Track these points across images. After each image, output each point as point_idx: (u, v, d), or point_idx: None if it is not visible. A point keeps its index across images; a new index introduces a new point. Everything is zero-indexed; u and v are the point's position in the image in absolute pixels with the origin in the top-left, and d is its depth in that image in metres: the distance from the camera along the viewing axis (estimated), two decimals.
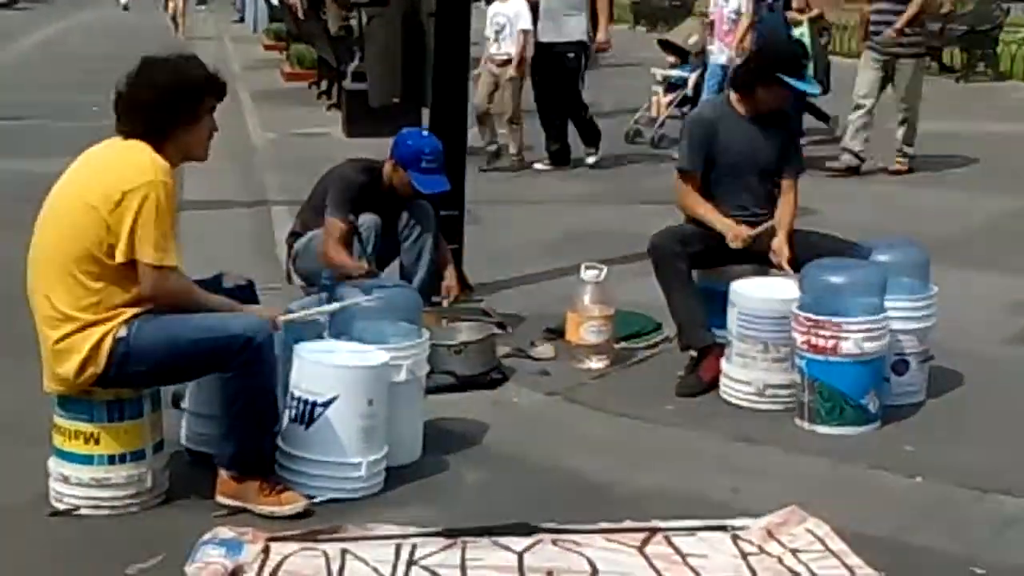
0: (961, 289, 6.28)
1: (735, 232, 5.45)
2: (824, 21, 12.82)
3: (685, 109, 12.16)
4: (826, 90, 11.15)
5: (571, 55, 10.55)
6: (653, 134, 11.98)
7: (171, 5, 24.65)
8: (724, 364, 5.32)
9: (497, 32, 10.76)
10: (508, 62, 10.64)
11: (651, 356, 5.88)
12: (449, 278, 6.26)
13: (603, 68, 15.88)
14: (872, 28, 10.60)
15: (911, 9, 10.33)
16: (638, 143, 11.99)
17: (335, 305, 4.75)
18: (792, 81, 5.60)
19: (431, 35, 7.07)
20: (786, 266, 5.37)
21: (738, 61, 10.68)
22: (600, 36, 10.99)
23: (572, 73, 10.64)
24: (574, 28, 10.55)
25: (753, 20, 11.06)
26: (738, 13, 11.17)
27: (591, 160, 10.97)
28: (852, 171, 10.47)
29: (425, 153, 5.93)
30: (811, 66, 9.42)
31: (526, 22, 10.57)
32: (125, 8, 38.77)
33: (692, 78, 12.22)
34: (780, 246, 5.44)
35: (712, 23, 11.84)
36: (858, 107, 10.55)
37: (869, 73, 10.58)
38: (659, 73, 12.73)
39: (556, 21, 10.50)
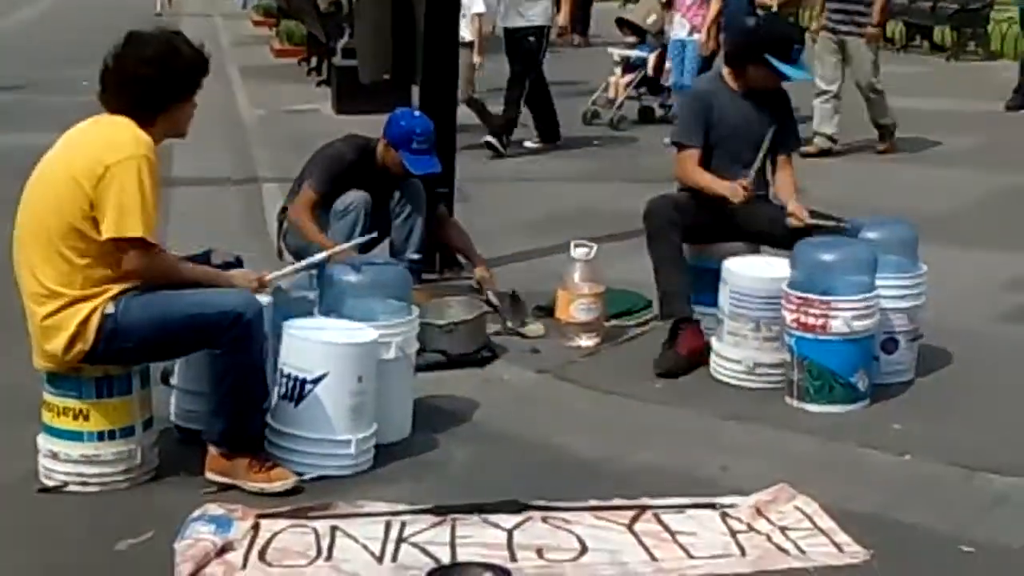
0: (951, 267, 6.29)
1: (734, 187, 5.44)
2: (792, 7, 12.57)
3: (643, 90, 12.10)
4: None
5: (531, 38, 10.37)
6: (612, 115, 11.80)
7: None
8: (715, 342, 5.33)
9: None
10: (464, 46, 10.19)
11: (641, 334, 5.88)
12: (480, 269, 6.24)
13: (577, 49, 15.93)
14: (828, 13, 10.47)
15: None
16: (596, 124, 11.80)
17: (316, 257, 4.77)
18: (779, 64, 5.58)
19: (421, 12, 7.06)
20: (807, 220, 5.40)
21: (697, 37, 10.89)
22: (560, 20, 10.83)
23: (529, 56, 10.41)
24: (538, 13, 10.36)
25: (720, 5, 10.82)
26: None
27: (530, 144, 10.76)
28: (825, 153, 10.41)
29: (416, 134, 5.93)
30: None
31: (479, 5, 10.38)
32: None
33: (651, 58, 11.99)
34: (796, 209, 5.45)
35: (668, 3, 11.70)
36: (822, 93, 10.42)
37: (826, 57, 10.45)
38: (616, 53, 12.40)
39: (519, 7, 10.33)
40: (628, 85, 12.03)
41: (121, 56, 4.23)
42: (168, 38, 4.31)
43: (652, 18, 12.15)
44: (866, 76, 10.38)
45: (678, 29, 11.15)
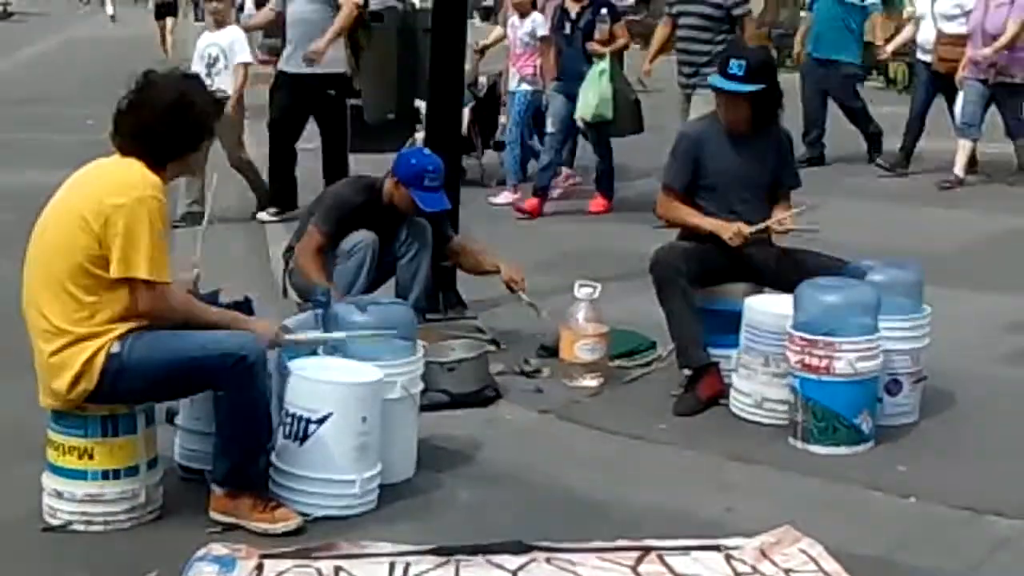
0: (955, 308, 6.29)
1: (732, 229, 5.46)
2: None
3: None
4: (637, 129, 9.66)
5: (331, 91, 9.22)
6: None
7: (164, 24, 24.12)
8: (733, 376, 5.36)
9: (209, 66, 9.25)
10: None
11: (645, 374, 5.89)
12: (505, 271, 6.29)
13: None
14: (680, 64, 9.51)
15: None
16: None
17: (336, 335, 4.72)
18: (715, 79, 5.60)
19: (426, 52, 7.11)
20: (779, 226, 5.56)
21: (527, 88, 10.09)
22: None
23: (335, 108, 9.31)
24: (330, 57, 9.13)
25: (548, 47, 9.95)
26: (532, 36, 10.09)
27: (265, 216, 9.31)
28: None
29: (428, 171, 5.97)
30: (608, 103, 9.26)
31: (245, 53, 9.31)
32: (112, 19, 38.69)
33: (465, 113, 10.13)
34: (773, 221, 5.55)
35: (482, 51, 11.30)
36: None
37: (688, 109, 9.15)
38: (423, 106, 10.67)
39: (305, 49, 9.07)
40: None
41: (136, 104, 4.25)
42: (183, 87, 4.34)
43: (464, 68, 10.69)
44: None
45: (512, 82, 10.44)
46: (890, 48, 12.58)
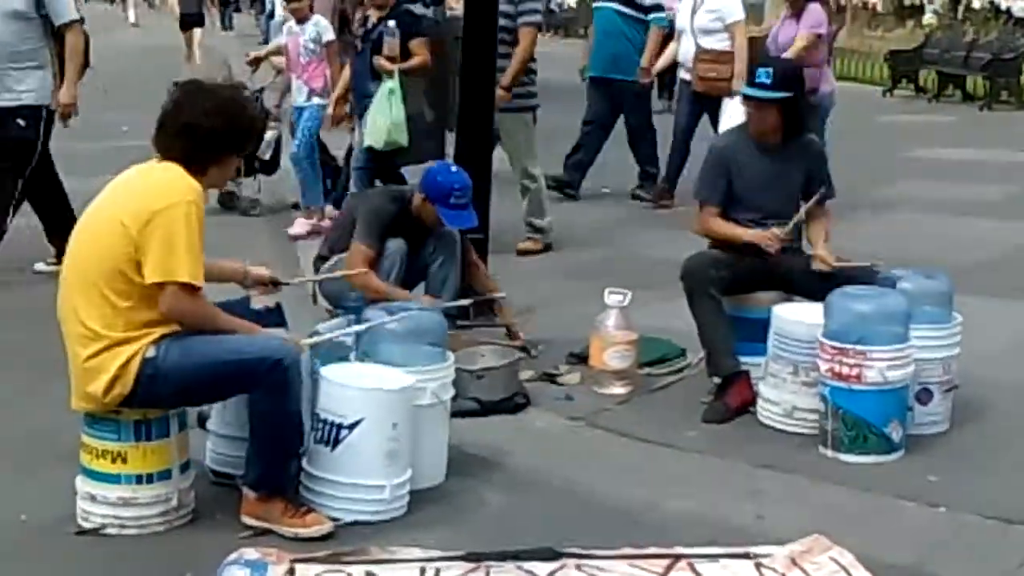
0: (982, 318, 6.26)
1: (766, 236, 5.46)
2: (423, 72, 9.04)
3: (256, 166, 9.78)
4: (439, 155, 8.23)
5: (21, 122, 7.52)
6: (241, 202, 9.88)
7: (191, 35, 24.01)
8: (761, 384, 5.35)
9: None
10: None
11: (675, 382, 5.89)
12: (504, 316, 6.32)
13: None
14: None
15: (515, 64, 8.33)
16: (230, 212, 9.81)
17: (359, 327, 4.77)
18: (746, 88, 5.59)
19: (456, 60, 7.10)
20: (833, 264, 5.44)
21: (317, 102, 9.16)
22: (63, 96, 7.69)
23: (22, 147, 7.58)
24: (27, 90, 7.50)
25: (335, 54, 9.27)
26: (316, 42, 9.22)
27: (42, 267, 7.60)
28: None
29: (455, 189, 5.98)
30: (402, 128, 8.03)
31: None
32: (134, 25, 38.87)
33: None
34: (823, 254, 5.49)
35: (256, 61, 10.13)
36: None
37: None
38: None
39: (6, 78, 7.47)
40: None
41: (184, 103, 4.28)
42: (231, 92, 4.39)
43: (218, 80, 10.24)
44: (517, 157, 8.56)
45: (296, 94, 9.40)
46: (656, 67, 10.55)
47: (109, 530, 4.26)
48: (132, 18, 40.26)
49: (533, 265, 7.94)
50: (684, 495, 4.74)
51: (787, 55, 9.03)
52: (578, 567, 4.04)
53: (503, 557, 4.08)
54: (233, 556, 3.98)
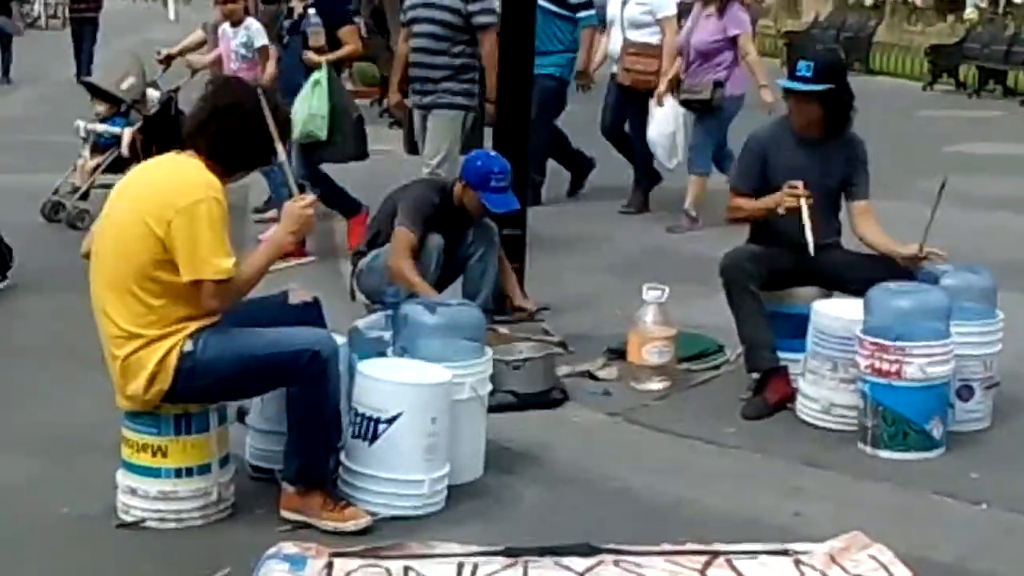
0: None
1: (783, 195, 5.39)
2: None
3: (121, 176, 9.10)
4: (360, 154, 8.18)
5: None
6: (70, 208, 9.12)
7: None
8: (800, 380, 5.33)
9: None
10: None
11: (713, 378, 5.88)
12: (519, 300, 6.31)
13: None
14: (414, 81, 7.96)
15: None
16: (56, 221, 9.16)
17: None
18: (785, 81, 5.55)
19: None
20: (935, 252, 5.37)
21: None
22: None
23: None
24: None
25: (267, 59, 8.71)
26: (248, 47, 8.69)
27: None
28: None
29: (495, 172, 5.98)
30: (321, 120, 7.86)
31: None
32: (175, 20, 39.01)
33: (126, 134, 9.23)
34: (909, 257, 5.39)
35: (167, 60, 9.68)
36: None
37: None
38: (83, 127, 9.51)
39: None
40: (96, 169, 9.25)
41: (221, 109, 4.27)
42: (270, 100, 4.37)
43: (129, 81, 9.48)
44: (439, 157, 7.70)
45: None
46: (593, 65, 10.03)
47: (149, 523, 4.29)
48: (172, 15, 40.46)
49: (571, 262, 7.92)
50: (722, 491, 4.73)
51: (750, 62, 9.04)
52: (615, 563, 4.03)
53: (540, 552, 4.07)
54: (272, 550, 3.99)
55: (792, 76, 5.52)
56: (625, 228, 9.24)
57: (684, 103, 9.21)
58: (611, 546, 4.12)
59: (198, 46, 9.87)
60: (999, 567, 4.14)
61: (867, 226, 5.63)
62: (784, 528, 4.36)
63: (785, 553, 4.13)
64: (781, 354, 5.43)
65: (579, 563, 4.02)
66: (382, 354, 4.81)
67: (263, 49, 8.63)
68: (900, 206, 9.65)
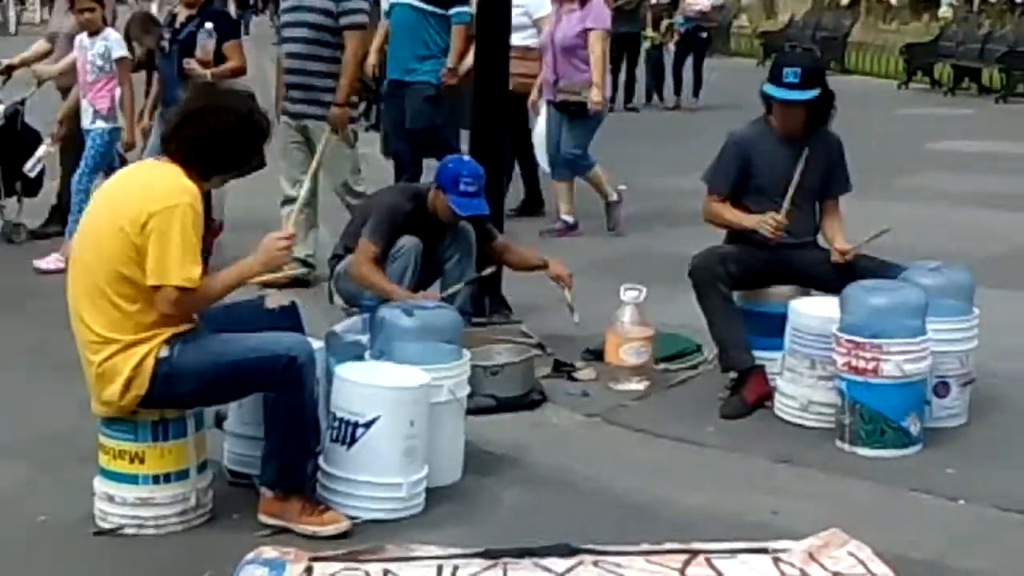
0: (1004, 311, 6.24)
1: (765, 220, 5.43)
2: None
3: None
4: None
5: None
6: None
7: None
8: (778, 379, 5.34)
9: None
10: None
11: (691, 378, 5.89)
12: (553, 267, 6.32)
13: None
14: (291, 89, 7.80)
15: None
16: None
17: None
18: (770, 88, 5.54)
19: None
20: (853, 250, 5.42)
21: (102, 125, 8.10)
22: None
23: None
24: None
25: (126, 72, 8.21)
26: (106, 59, 8.13)
27: None
28: (303, 283, 7.40)
29: (464, 176, 5.97)
30: None
31: None
32: (15, 34, 38.52)
33: None
34: (842, 247, 5.46)
35: (7, 71, 9.11)
36: (288, 201, 7.62)
37: (292, 151, 7.83)
38: None
39: None
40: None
41: (200, 114, 4.28)
42: (249, 103, 4.38)
43: None
44: (328, 173, 7.69)
45: (82, 116, 8.26)
46: (463, 69, 8.72)
47: (127, 530, 4.27)
48: (12, 28, 40.13)
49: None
50: (701, 490, 4.74)
51: (593, 62, 8.75)
52: (595, 563, 4.04)
53: (520, 554, 4.08)
54: (251, 555, 3.99)
55: (779, 83, 5.51)
56: (601, 228, 9.24)
57: (559, 105, 8.98)
58: (590, 546, 4.13)
59: (42, 56, 9.20)
60: (977, 563, 4.15)
61: (829, 220, 5.68)
62: (763, 526, 4.37)
63: (764, 551, 4.15)
64: (759, 353, 5.45)
65: (559, 564, 4.03)
66: (360, 358, 4.80)
67: (121, 60, 8.17)
68: (877, 203, 9.76)
